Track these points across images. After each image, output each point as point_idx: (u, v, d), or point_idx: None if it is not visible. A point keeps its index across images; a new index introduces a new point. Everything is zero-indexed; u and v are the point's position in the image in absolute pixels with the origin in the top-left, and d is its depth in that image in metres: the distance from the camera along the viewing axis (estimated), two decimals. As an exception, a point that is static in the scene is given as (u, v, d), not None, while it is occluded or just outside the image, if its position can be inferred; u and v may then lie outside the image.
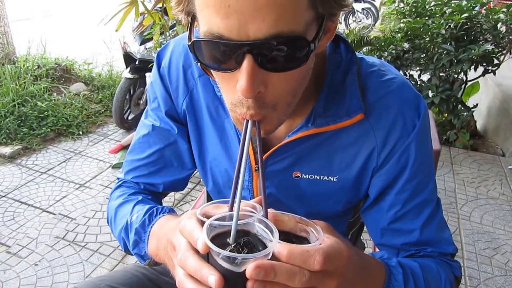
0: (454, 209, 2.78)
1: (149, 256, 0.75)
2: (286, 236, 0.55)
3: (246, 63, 0.54)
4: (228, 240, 0.51)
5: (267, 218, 0.54)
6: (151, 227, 0.74)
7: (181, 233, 0.55)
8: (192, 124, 0.85)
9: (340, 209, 0.84)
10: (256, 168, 0.80)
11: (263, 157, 0.78)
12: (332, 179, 0.79)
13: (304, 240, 0.55)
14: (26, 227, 2.45)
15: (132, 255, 0.82)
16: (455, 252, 0.84)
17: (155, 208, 0.77)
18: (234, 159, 0.81)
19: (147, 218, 0.75)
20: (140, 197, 0.84)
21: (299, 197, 0.82)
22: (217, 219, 0.53)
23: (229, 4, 0.50)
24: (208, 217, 0.54)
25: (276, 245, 0.49)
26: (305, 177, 0.79)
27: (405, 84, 0.77)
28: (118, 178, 0.94)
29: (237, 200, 0.52)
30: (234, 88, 0.57)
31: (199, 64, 0.63)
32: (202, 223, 0.53)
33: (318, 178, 0.79)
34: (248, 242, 0.51)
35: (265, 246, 0.51)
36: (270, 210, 0.56)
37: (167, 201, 2.68)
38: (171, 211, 0.78)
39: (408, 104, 0.75)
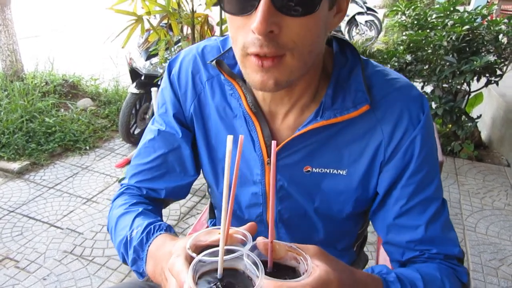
0: (460, 220, 2.78)
1: (146, 274, 0.77)
2: (277, 266, 0.56)
3: (262, 3, 0.59)
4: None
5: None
6: (149, 246, 0.76)
7: (170, 272, 0.57)
8: (200, 127, 0.89)
9: (349, 210, 0.85)
10: (268, 162, 0.82)
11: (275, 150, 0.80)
12: (341, 173, 0.81)
13: (293, 270, 0.56)
14: (34, 242, 2.48)
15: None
16: (462, 256, 0.83)
17: (152, 226, 0.78)
18: (245, 155, 0.84)
19: (144, 236, 0.77)
20: (140, 209, 0.86)
21: (309, 193, 0.84)
22: (206, 254, 0.53)
23: None
24: (199, 247, 0.55)
25: (262, 282, 0.49)
26: (315, 171, 0.82)
27: (409, 83, 0.81)
28: (121, 184, 0.96)
29: (220, 247, 0.53)
30: (248, 32, 0.63)
31: (222, 9, 0.68)
32: (191, 259, 0.54)
33: (328, 171, 0.81)
34: (231, 284, 0.52)
35: (251, 284, 0.51)
36: (261, 239, 0.57)
37: (173, 214, 2.70)
38: (168, 228, 0.79)
39: (413, 101, 0.79)
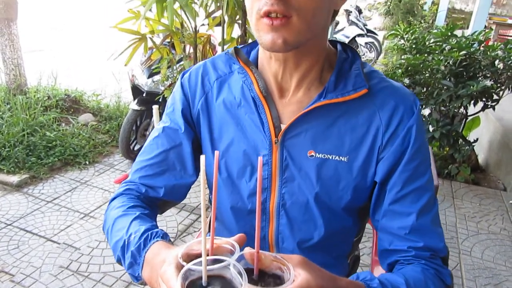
0: (455, 244, 2.79)
1: (142, 278, 0.80)
2: (263, 275, 0.60)
3: None
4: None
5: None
6: (146, 252, 0.79)
7: (161, 279, 0.61)
8: (205, 122, 0.96)
9: (348, 198, 0.89)
10: (276, 141, 0.89)
11: (282, 131, 0.88)
12: (342, 159, 0.87)
13: (279, 278, 0.59)
14: (30, 256, 2.49)
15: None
16: (446, 255, 0.87)
17: (149, 233, 0.82)
18: (252, 140, 0.91)
19: (142, 242, 0.80)
20: (137, 213, 0.89)
21: (310, 178, 0.89)
22: (196, 263, 0.57)
23: None
24: (191, 255, 0.59)
25: None
26: (318, 156, 0.88)
27: (401, 85, 0.92)
28: (124, 182, 1.00)
29: (203, 256, 0.57)
30: None
31: None
32: (182, 267, 0.58)
33: (330, 157, 0.87)
34: None
35: None
36: (248, 249, 0.61)
37: (170, 232, 2.71)
38: (164, 236, 0.83)
39: (407, 96, 0.88)
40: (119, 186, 1.00)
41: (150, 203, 0.98)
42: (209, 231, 1.22)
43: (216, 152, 0.63)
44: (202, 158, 0.58)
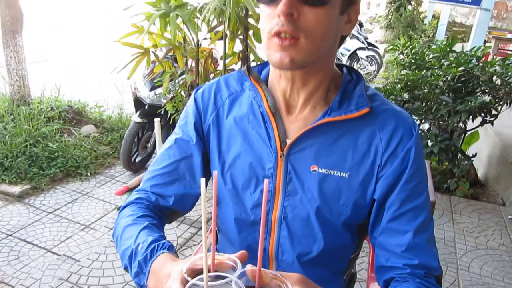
0: (453, 259, 2.79)
1: (146, 287, 0.83)
2: None
3: None
4: None
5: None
6: (152, 263, 0.82)
7: None
8: (215, 134, 1.01)
9: (348, 214, 0.92)
10: (281, 155, 0.93)
11: (287, 145, 0.93)
12: (344, 175, 0.91)
13: None
14: (30, 267, 2.50)
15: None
16: (440, 274, 0.90)
17: (156, 244, 0.85)
18: (258, 153, 0.96)
19: (148, 253, 0.84)
20: (146, 223, 0.93)
21: (312, 192, 0.93)
22: (199, 279, 0.60)
23: None
24: (195, 270, 0.62)
25: None
26: (321, 171, 0.92)
27: (402, 109, 0.97)
28: (136, 191, 1.05)
29: (204, 273, 0.59)
30: (274, 18, 0.79)
31: (258, 0, 0.84)
32: (187, 282, 0.61)
33: (332, 173, 0.91)
34: None
35: None
36: (249, 267, 0.64)
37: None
38: (170, 248, 0.86)
39: (406, 119, 0.93)
40: (131, 193, 1.05)
41: (159, 212, 1.02)
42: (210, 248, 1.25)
43: (215, 172, 0.68)
44: (202, 181, 0.61)
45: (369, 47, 8.45)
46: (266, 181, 0.64)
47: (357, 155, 0.91)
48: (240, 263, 0.65)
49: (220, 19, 3.06)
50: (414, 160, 0.89)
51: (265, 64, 1.03)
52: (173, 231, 2.87)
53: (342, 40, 0.93)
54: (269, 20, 0.82)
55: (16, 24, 4.17)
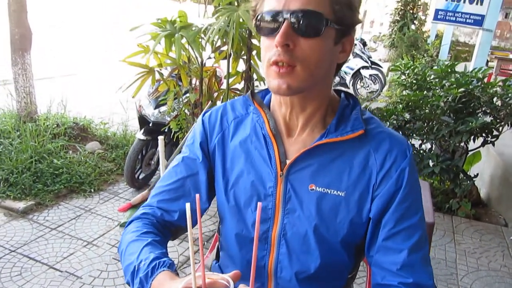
0: (455, 280, 2.78)
1: None
2: None
3: (283, 26, 0.84)
4: None
5: None
6: (152, 280, 0.87)
7: None
8: (220, 154, 1.07)
9: (344, 232, 0.96)
10: (281, 174, 0.98)
11: (287, 165, 0.97)
12: (340, 194, 0.95)
13: None
14: (32, 284, 2.51)
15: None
16: None
17: (157, 262, 0.90)
18: (259, 172, 1.01)
19: (150, 271, 0.88)
20: (149, 239, 0.98)
21: (310, 210, 0.97)
22: None
23: None
24: None
25: None
26: (318, 190, 0.96)
27: (397, 132, 1.02)
28: (143, 206, 1.11)
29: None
30: (273, 48, 0.86)
31: (258, 32, 0.91)
32: None
33: (329, 192, 0.96)
34: None
35: None
36: (242, 286, 0.68)
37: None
38: (170, 266, 0.90)
39: (400, 141, 0.98)
40: (134, 210, 1.10)
41: (163, 228, 1.07)
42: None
43: (197, 195, 0.73)
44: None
45: (372, 66, 8.53)
46: (259, 204, 0.68)
47: (353, 175, 0.95)
48: (233, 282, 0.69)
49: (224, 40, 3.14)
50: (408, 180, 0.93)
51: (268, 90, 1.09)
52: (174, 249, 2.89)
53: (338, 68, 0.98)
54: (268, 50, 0.88)
55: (25, 42, 4.26)
